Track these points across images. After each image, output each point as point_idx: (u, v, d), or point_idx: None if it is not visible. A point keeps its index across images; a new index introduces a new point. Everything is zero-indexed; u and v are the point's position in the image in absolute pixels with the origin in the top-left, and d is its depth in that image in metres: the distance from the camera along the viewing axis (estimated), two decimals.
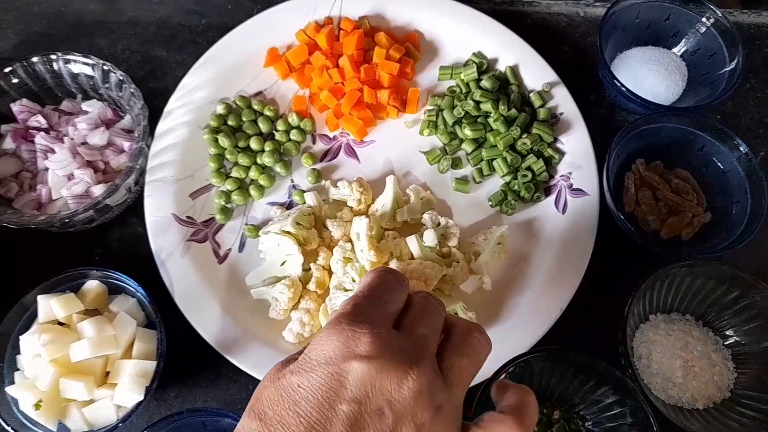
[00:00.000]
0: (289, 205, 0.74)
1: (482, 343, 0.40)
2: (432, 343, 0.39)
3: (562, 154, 0.75)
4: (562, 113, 0.77)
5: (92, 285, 0.64)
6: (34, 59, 0.73)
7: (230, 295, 0.68)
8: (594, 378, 0.62)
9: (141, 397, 0.59)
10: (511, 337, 0.66)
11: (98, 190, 0.69)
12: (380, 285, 0.40)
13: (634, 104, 0.75)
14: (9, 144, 0.72)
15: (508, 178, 0.74)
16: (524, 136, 0.74)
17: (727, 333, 0.67)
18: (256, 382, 0.65)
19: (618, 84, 0.74)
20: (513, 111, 0.75)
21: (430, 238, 0.67)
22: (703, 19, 0.78)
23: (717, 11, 0.77)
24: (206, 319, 0.66)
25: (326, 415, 0.33)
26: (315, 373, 0.34)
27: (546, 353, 0.61)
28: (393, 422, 0.33)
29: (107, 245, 0.73)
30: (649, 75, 0.79)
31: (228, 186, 0.73)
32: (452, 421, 0.37)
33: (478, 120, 0.76)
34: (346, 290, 0.65)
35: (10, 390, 0.59)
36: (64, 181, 0.69)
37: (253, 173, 0.74)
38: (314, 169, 0.75)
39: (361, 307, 0.38)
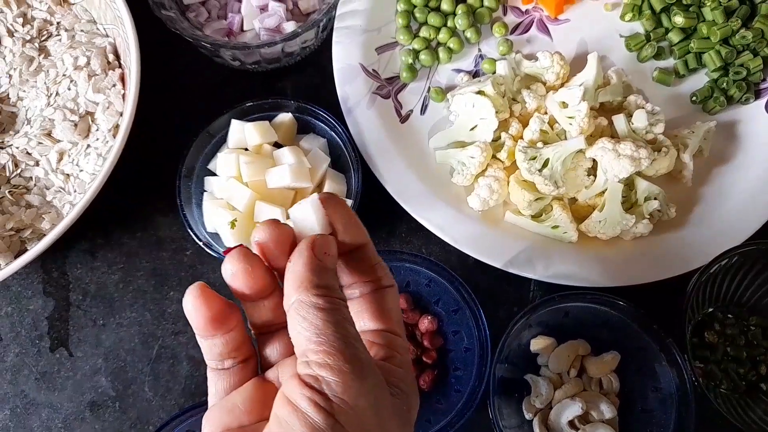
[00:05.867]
0: (475, 74, 0.70)
1: None
2: None
3: None
4: None
5: (285, 118, 0.61)
6: None
7: (412, 155, 0.65)
8: None
9: None
10: (709, 240, 0.62)
11: (289, 27, 0.66)
12: None
13: None
14: None
15: (716, 75, 0.68)
16: (743, 29, 0.67)
17: None
18: (431, 243, 0.63)
19: None
20: (734, 1, 0.68)
21: (640, 118, 0.62)
22: None
23: None
24: (390, 173, 0.63)
25: None
26: None
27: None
28: None
29: (283, 92, 0.71)
30: None
31: (416, 45, 0.69)
32: None
33: (690, 8, 0.69)
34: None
35: (205, 206, 0.57)
36: (257, 13, 0.66)
37: (442, 35, 0.69)
38: (507, 39, 0.70)
39: None
